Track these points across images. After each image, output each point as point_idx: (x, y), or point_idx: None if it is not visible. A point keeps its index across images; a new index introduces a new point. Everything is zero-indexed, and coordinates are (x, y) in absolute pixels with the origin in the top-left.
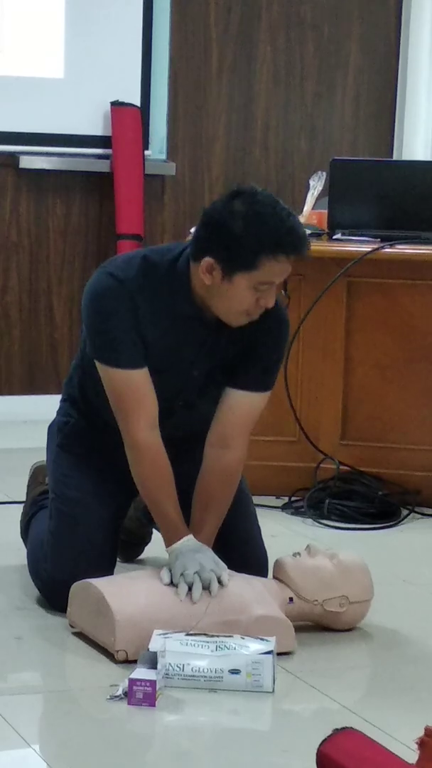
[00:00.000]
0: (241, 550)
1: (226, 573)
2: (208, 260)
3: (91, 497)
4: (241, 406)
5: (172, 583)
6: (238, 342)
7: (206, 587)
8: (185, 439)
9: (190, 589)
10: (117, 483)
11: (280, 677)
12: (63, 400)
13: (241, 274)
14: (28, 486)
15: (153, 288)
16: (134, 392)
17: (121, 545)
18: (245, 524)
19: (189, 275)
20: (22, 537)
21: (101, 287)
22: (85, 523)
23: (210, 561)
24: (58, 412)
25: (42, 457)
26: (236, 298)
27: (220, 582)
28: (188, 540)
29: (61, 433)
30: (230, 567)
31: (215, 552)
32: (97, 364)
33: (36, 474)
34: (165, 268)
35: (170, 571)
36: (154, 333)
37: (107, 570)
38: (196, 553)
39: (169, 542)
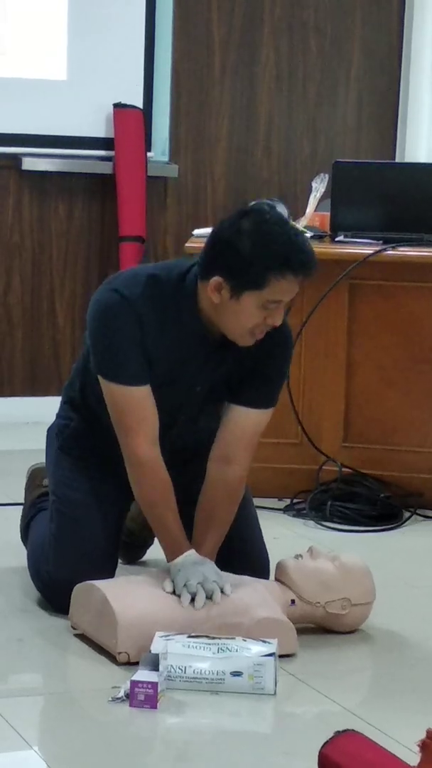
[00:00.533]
0: (242, 552)
1: (228, 585)
2: (216, 279)
3: (93, 499)
4: (244, 423)
5: (174, 593)
6: (243, 360)
7: (209, 597)
8: (186, 451)
9: (193, 599)
10: (118, 485)
11: (281, 679)
12: (63, 403)
13: (249, 293)
14: (26, 488)
15: (159, 305)
16: (135, 409)
17: (123, 547)
18: (246, 527)
19: (196, 293)
20: (22, 539)
21: (106, 303)
22: (87, 525)
23: (212, 573)
24: (59, 415)
25: (42, 459)
26: (244, 316)
27: (223, 592)
28: (190, 554)
29: (61, 436)
30: (231, 569)
31: (218, 555)
32: (100, 379)
33: (34, 476)
34: (172, 286)
35: (173, 582)
36: (159, 349)
37: (109, 571)
38: (199, 566)
39: (171, 556)
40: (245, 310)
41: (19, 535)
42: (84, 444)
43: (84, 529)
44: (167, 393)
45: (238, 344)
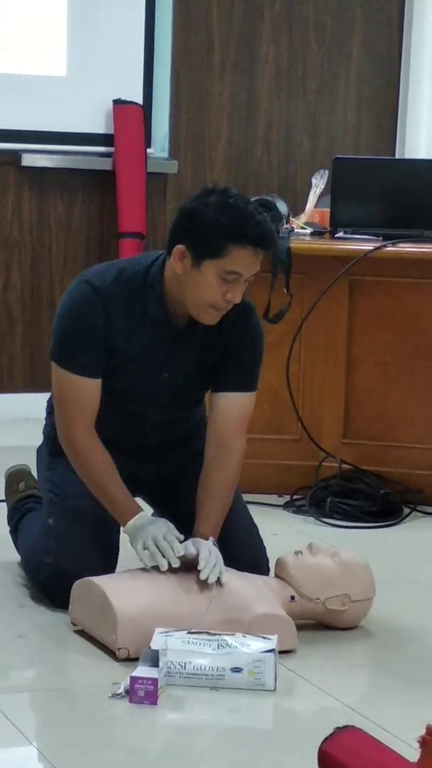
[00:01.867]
0: (239, 548)
1: (181, 538)
2: (179, 247)
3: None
4: (232, 408)
5: (156, 568)
6: (213, 346)
7: (164, 555)
8: (166, 445)
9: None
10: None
11: (281, 675)
12: (48, 414)
13: (209, 261)
14: (6, 496)
15: (126, 294)
16: (78, 398)
17: None
18: (240, 523)
19: (162, 279)
20: (13, 542)
21: (77, 294)
22: (90, 516)
23: (163, 530)
24: (46, 427)
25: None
26: (204, 287)
27: (221, 579)
28: (142, 515)
29: (51, 442)
30: (229, 565)
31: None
32: (52, 365)
33: (10, 482)
34: (139, 275)
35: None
36: (125, 337)
37: (113, 563)
38: (150, 526)
39: (124, 522)
40: (205, 280)
41: (11, 539)
42: None
43: (85, 518)
44: (136, 381)
45: (202, 322)
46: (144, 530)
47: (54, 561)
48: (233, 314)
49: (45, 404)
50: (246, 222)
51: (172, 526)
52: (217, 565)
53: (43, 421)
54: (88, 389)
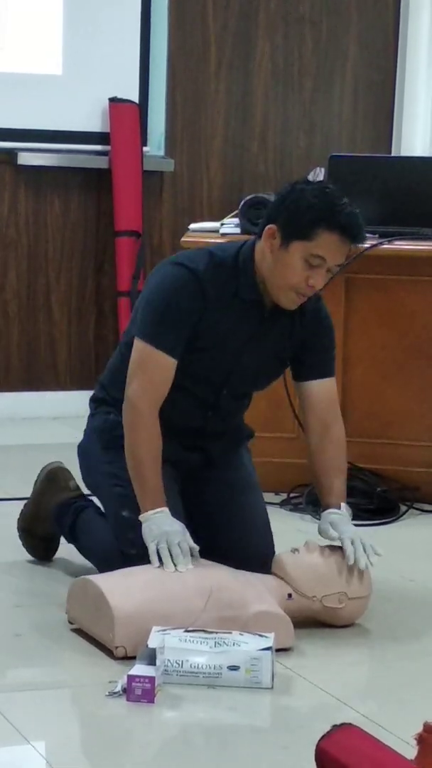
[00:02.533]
0: (251, 547)
1: (196, 549)
2: (271, 227)
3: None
4: (322, 394)
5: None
6: (291, 335)
7: (176, 563)
8: (217, 434)
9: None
10: (171, 463)
11: (278, 673)
12: (95, 410)
13: (298, 242)
14: (44, 489)
15: (219, 278)
16: (155, 374)
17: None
18: (255, 522)
19: (252, 262)
20: (66, 539)
21: (174, 276)
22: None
23: (178, 536)
24: (96, 421)
25: (35, 454)
26: (289, 269)
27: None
28: (162, 511)
29: (107, 435)
30: (238, 557)
31: (225, 545)
32: (135, 339)
33: (54, 478)
34: (230, 258)
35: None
36: (215, 320)
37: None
38: (168, 528)
39: (144, 508)
40: (291, 262)
41: (63, 535)
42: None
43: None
44: (217, 362)
45: (282, 306)
46: (161, 531)
47: (138, 551)
48: (309, 304)
49: (41, 403)
50: (339, 209)
51: (187, 534)
52: (367, 547)
53: (39, 417)
54: (167, 367)
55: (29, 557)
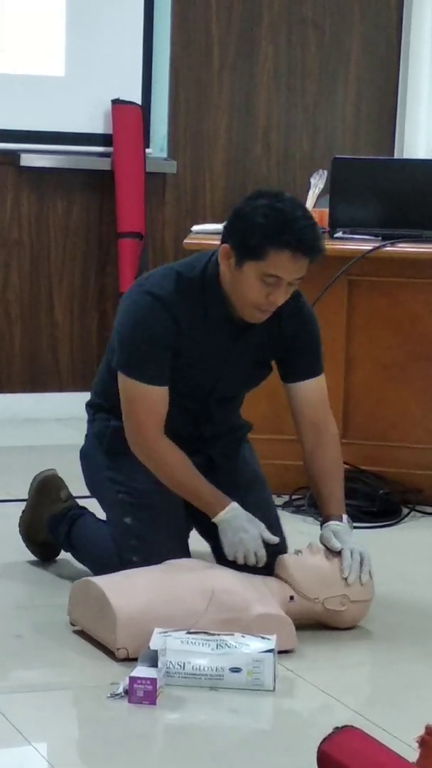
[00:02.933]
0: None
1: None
2: (225, 246)
3: (159, 485)
4: (312, 394)
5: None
6: (272, 340)
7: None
8: (214, 437)
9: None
10: None
11: (280, 675)
12: (93, 416)
13: (250, 262)
14: (37, 501)
15: (187, 299)
16: (148, 405)
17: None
18: (267, 515)
19: (218, 278)
20: (63, 548)
21: (141, 305)
22: (165, 509)
23: (254, 540)
24: (93, 426)
25: (40, 454)
26: (246, 287)
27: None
28: (233, 509)
29: (104, 441)
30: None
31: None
32: (119, 374)
33: (46, 488)
34: (197, 279)
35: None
36: (190, 339)
37: (187, 548)
38: (244, 534)
39: (214, 514)
40: (246, 281)
41: (60, 544)
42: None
43: (161, 513)
44: (199, 379)
45: (248, 320)
46: (237, 538)
47: (142, 558)
48: (286, 307)
49: (43, 405)
50: (287, 226)
51: (260, 542)
52: (363, 563)
53: (41, 419)
54: (158, 396)
55: (31, 558)
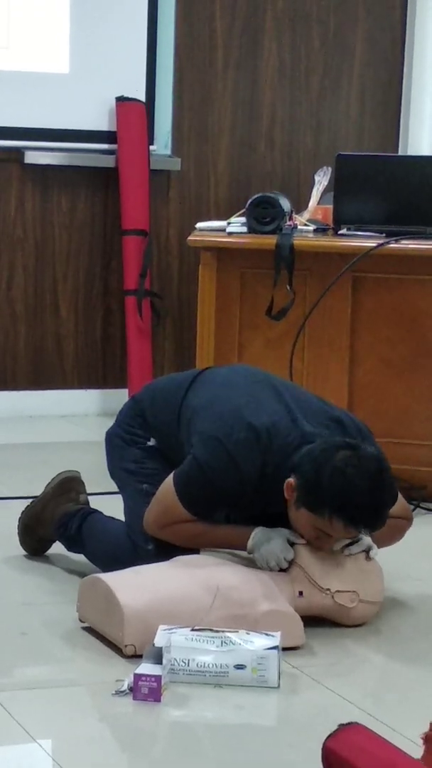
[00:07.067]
0: None
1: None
2: (290, 481)
3: None
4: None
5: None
6: None
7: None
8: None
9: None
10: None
11: (285, 672)
12: (127, 411)
13: (307, 511)
14: (53, 497)
15: (262, 485)
16: (176, 521)
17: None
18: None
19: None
20: (66, 545)
21: (227, 470)
22: None
23: (278, 549)
24: (126, 423)
25: (45, 451)
26: (299, 524)
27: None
28: (256, 533)
29: (134, 437)
30: None
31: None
32: (173, 483)
33: (68, 486)
34: (281, 450)
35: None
36: (251, 498)
37: None
38: (266, 546)
39: (244, 546)
40: (300, 520)
41: (64, 545)
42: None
43: None
44: (250, 511)
45: None
46: (265, 549)
47: (155, 546)
48: None
49: (47, 402)
50: (349, 500)
51: (287, 545)
52: (372, 549)
53: (46, 416)
54: (189, 520)
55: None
